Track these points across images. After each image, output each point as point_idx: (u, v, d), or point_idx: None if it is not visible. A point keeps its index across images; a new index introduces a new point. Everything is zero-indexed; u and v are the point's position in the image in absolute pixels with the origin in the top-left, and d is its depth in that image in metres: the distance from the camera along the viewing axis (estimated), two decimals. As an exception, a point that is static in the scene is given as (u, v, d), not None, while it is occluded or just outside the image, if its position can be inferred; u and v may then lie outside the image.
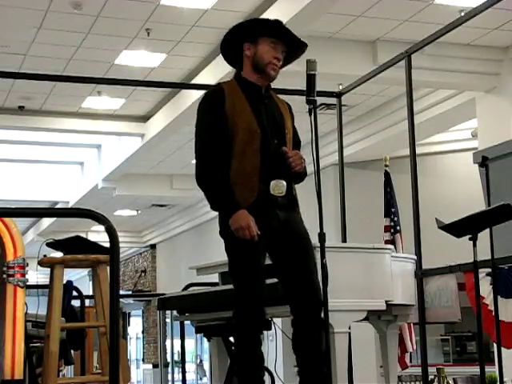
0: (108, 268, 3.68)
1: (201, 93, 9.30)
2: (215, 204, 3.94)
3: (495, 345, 5.18)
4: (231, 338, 4.94)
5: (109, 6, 8.87)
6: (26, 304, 3.60)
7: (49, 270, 4.68)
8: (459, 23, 5.85)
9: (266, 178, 3.93)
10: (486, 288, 5.27)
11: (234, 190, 3.88)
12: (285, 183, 3.97)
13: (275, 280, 4.09)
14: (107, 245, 3.58)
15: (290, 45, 4.11)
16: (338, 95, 7.33)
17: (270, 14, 8.64)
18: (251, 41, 4.06)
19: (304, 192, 4.46)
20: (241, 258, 3.86)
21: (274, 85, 4.26)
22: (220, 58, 4.33)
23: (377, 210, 8.50)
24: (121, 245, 3.57)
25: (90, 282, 17.58)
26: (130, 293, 22.71)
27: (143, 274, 23.41)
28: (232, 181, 3.90)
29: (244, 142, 3.92)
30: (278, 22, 4.14)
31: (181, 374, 7.94)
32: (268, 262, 4.03)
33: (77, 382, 5.37)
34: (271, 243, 3.94)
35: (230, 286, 3.98)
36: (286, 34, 4.08)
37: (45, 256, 4.74)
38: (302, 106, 4.25)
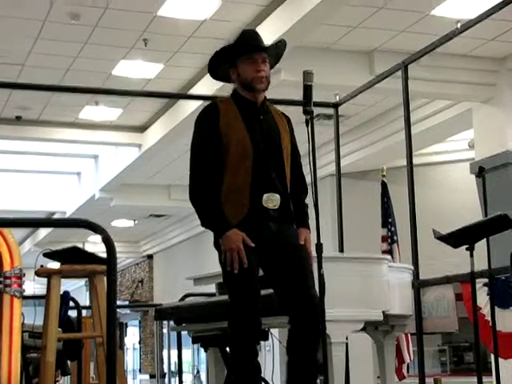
0: (105, 278, 3.67)
1: (198, 103, 9.34)
2: (205, 223, 3.99)
3: (493, 355, 5.18)
4: (228, 349, 4.93)
5: (106, 16, 8.89)
6: (22, 314, 3.59)
7: (46, 280, 4.67)
8: (455, 34, 5.87)
9: (258, 192, 3.94)
10: (483, 298, 5.27)
11: (226, 206, 3.91)
12: (278, 197, 3.97)
13: (272, 291, 4.09)
14: (104, 255, 3.58)
15: (267, 49, 4.10)
16: (335, 105, 7.35)
17: (266, 25, 8.65)
18: (232, 65, 4.09)
19: (301, 202, 4.46)
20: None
21: (270, 95, 4.26)
22: (217, 69, 4.34)
23: (374, 220, 8.51)
24: (118, 255, 3.57)
25: (87, 293, 17.54)
26: (127, 303, 22.67)
27: (140, 285, 23.36)
28: (224, 197, 3.93)
29: (237, 157, 3.94)
30: (244, 35, 4.15)
31: (178, 385, 7.91)
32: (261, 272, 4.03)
33: (73, 392, 5.36)
34: (264, 255, 3.94)
35: (227, 297, 3.98)
36: (257, 46, 4.07)
37: (42, 266, 4.74)
38: (299, 117, 4.26)
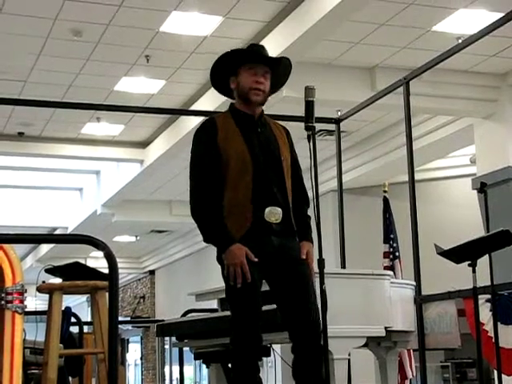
0: (107, 294, 3.67)
1: (200, 119, 9.35)
2: (208, 238, 3.98)
3: (496, 372, 5.16)
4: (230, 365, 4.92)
5: (109, 33, 8.92)
6: (24, 330, 3.58)
7: (47, 296, 4.67)
8: (457, 50, 5.88)
9: (259, 206, 3.93)
10: (485, 314, 5.25)
11: (228, 221, 3.90)
12: (280, 210, 3.97)
13: (274, 306, 4.08)
14: (106, 271, 3.57)
15: (272, 64, 4.10)
16: (337, 121, 7.36)
17: (268, 41, 8.68)
18: (233, 74, 4.09)
19: (303, 218, 4.45)
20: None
21: (272, 111, 4.27)
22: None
23: (376, 236, 8.50)
24: (120, 271, 3.56)
25: (89, 309, 17.50)
26: (129, 319, 22.64)
27: (142, 300, 23.33)
28: (226, 212, 3.92)
29: (236, 172, 3.93)
30: (251, 46, 4.17)
31: (179, 401, 7.89)
32: (266, 288, 4.02)
33: (75, 409, 5.34)
34: (267, 269, 3.93)
35: (229, 312, 3.97)
36: (261, 55, 4.08)
37: (43, 282, 4.73)
38: (300, 133, 4.26)
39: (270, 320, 4.14)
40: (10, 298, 3.32)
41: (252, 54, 4.07)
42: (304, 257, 3.98)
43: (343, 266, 7.00)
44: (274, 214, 3.95)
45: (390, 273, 5.57)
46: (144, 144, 13.25)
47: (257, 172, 3.94)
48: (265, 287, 3.98)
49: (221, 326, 4.82)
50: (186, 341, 5.71)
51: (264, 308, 3.92)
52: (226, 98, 4.28)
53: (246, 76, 4.04)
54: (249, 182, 3.93)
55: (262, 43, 8.69)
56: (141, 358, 23.86)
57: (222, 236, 3.89)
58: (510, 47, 9.19)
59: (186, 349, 6.35)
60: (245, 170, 3.93)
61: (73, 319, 5.86)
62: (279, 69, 4.15)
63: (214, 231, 3.93)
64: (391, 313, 5.05)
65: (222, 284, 3.98)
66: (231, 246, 3.83)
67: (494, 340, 5.06)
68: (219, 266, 3.96)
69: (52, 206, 17.48)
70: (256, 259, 3.84)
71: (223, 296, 4.04)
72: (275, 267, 3.94)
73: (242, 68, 4.06)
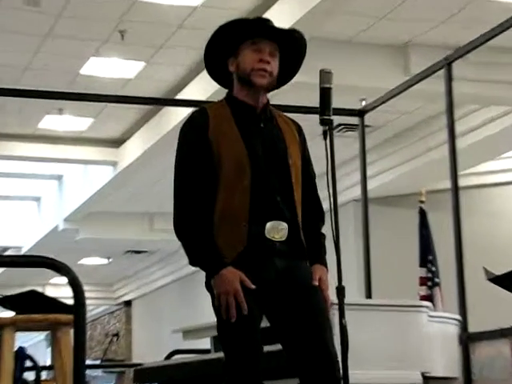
0: (71, 331, 3.68)
1: (188, 111, 9.37)
2: (194, 259, 3.97)
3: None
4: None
5: (73, 2, 8.94)
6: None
7: (-4, 333, 4.68)
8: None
9: (259, 219, 3.93)
10: (548, 356, 5.26)
11: (220, 237, 3.90)
12: (286, 225, 3.96)
13: (278, 346, 4.08)
14: (70, 302, 3.58)
15: (281, 40, 4.11)
16: (361, 113, 7.38)
17: (273, 13, 8.71)
18: (233, 54, 4.10)
19: (318, 235, 4.47)
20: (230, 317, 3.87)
21: (279, 100, 4.28)
22: (212, 68, 4.37)
23: (410, 257, 8.51)
24: (87, 301, 3.57)
25: (49, 349, 17.51)
26: (99, 362, 22.63)
27: (115, 339, 23.34)
28: (217, 226, 3.91)
29: (232, 176, 3.93)
30: (255, 18, 4.18)
31: None
32: (266, 323, 4.02)
33: None
34: (268, 299, 3.93)
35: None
36: (268, 26, 4.09)
37: (-9, 316, 4.75)
38: (314, 128, 4.28)
39: (274, 363, 4.15)
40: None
41: (256, 26, 4.08)
42: (316, 283, 3.98)
43: (368, 295, 7.02)
44: (277, 230, 3.95)
45: (429, 304, 5.59)
46: (118, 142, 13.28)
47: (256, 178, 3.94)
48: (264, 323, 3.98)
49: (214, 370, 4.83)
50: (170, 390, 5.73)
51: (265, 349, 3.93)
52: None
53: (248, 54, 4.05)
54: (246, 188, 3.93)
55: (265, 16, 8.73)
56: (114, 412, 23.89)
57: (210, 257, 3.89)
58: None
59: (170, 400, 6.36)
60: (241, 173, 3.93)
61: (28, 363, 5.87)
62: (290, 49, 4.16)
63: (200, 251, 3.92)
64: (430, 354, 5.07)
65: (215, 318, 3.99)
66: (222, 269, 3.84)
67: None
68: (211, 295, 3.98)
69: (2, 220, 17.51)
70: (253, 286, 3.84)
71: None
72: (279, 296, 3.94)
73: (244, 45, 4.07)
